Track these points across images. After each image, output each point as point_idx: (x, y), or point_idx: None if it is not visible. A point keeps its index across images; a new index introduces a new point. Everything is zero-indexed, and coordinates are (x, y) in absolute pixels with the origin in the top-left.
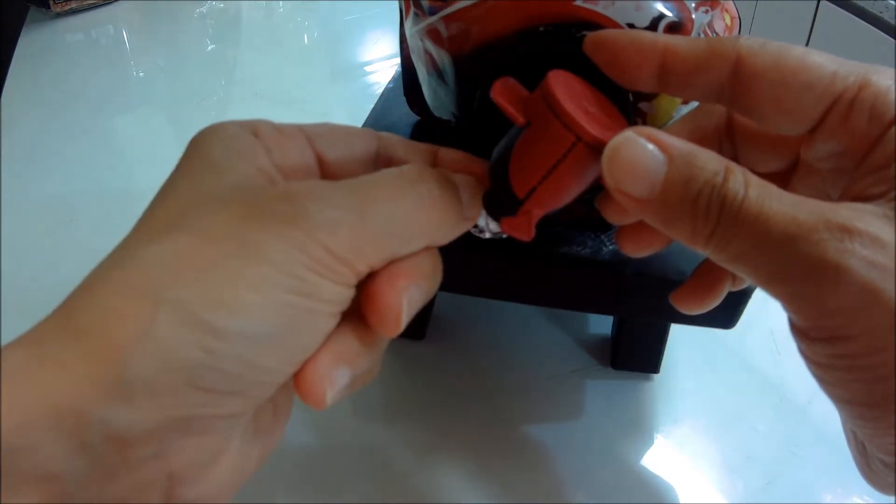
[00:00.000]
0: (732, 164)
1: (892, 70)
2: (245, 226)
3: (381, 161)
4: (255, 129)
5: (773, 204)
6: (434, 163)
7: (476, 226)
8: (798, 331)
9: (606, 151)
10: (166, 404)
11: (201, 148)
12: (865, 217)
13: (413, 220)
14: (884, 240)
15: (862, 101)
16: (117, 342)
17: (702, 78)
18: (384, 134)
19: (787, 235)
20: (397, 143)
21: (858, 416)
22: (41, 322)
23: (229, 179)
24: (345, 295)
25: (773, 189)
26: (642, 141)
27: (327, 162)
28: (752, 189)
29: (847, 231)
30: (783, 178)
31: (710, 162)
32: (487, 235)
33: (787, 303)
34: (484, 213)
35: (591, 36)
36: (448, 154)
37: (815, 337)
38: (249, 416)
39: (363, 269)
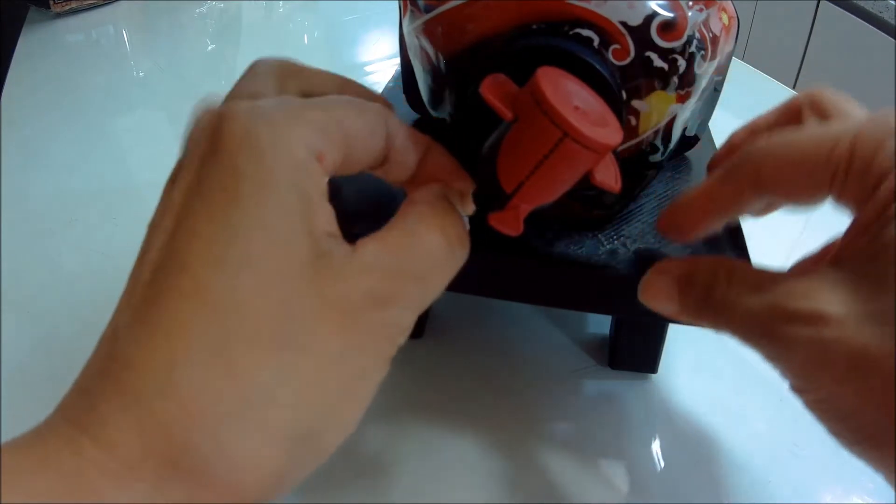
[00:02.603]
0: (719, 270)
1: (891, 113)
2: (348, 354)
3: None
4: (320, 153)
5: (743, 300)
6: (424, 159)
7: None
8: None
9: (641, 288)
10: None
11: (268, 183)
12: (816, 293)
13: (450, 278)
14: (829, 315)
15: (854, 168)
16: (250, 487)
17: (742, 202)
18: (390, 121)
19: (754, 324)
20: (399, 134)
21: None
22: (141, 459)
23: (304, 253)
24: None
25: (749, 283)
26: (659, 275)
27: (347, 162)
28: (731, 289)
29: (790, 316)
30: None
31: (701, 276)
32: None
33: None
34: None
35: (661, 219)
36: (437, 159)
37: (794, 389)
38: None
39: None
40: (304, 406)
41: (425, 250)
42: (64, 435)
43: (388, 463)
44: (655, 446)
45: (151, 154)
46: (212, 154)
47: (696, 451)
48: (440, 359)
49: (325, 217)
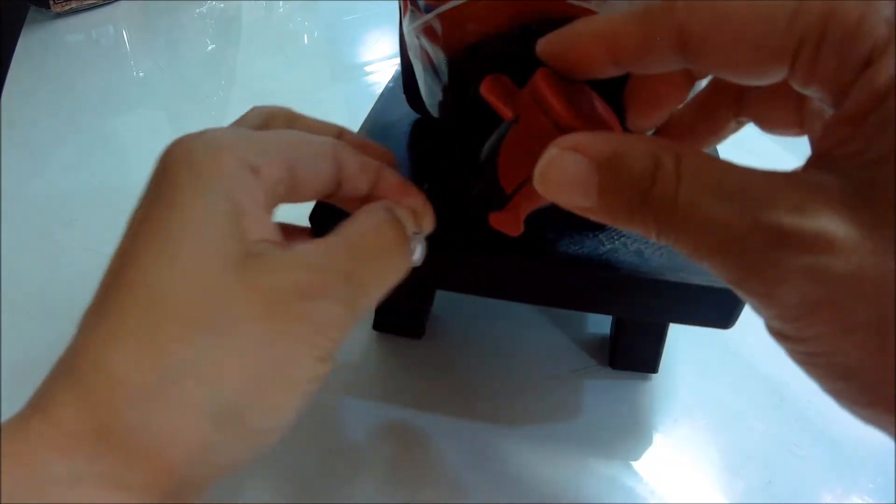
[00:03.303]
0: (663, 156)
1: None
2: (272, 338)
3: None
4: (255, 167)
5: (703, 202)
6: (377, 184)
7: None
8: (776, 334)
9: (537, 172)
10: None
11: (200, 190)
12: (812, 209)
13: (390, 283)
14: (834, 239)
15: (828, 40)
16: (177, 461)
17: (653, 56)
18: (342, 151)
19: (721, 242)
20: (350, 164)
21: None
22: (78, 431)
23: (232, 250)
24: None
25: (708, 179)
26: (568, 154)
27: (294, 185)
28: (682, 186)
29: (782, 237)
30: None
31: (637, 161)
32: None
33: (758, 308)
34: (416, 242)
35: (541, 43)
36: (389, 180)
37: (776, 334)
38: None
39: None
40: (226, 384)
41: (356, 251)
42: (22, 414)
43: (387, 463)
44: (655, 446)
45: (151, 154)
46: (160, 171)
47: (697, 450)
48: (440, 359)
49: (261, 223)
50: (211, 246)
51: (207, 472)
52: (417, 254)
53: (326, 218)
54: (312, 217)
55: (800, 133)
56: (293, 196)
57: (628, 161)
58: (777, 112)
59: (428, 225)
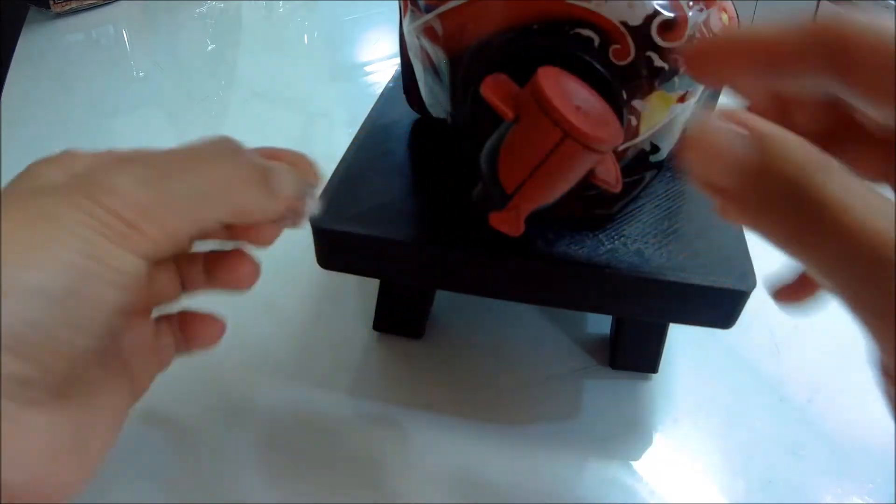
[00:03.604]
0: (820, 157)
1: None
2: (38, 199)
3: None
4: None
5: (859, 213)
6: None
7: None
8: (884, 370)
9: (690, 135)
10: None
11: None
12: None
13: (207, 190)
14: None
15: None
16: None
17: (805, 67)
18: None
19: (875, 258)
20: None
21: None
22: None
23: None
24: (137, 266)
25: (863, 192)
26: (731, 125)
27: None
28: (836, 190)
29: None
30: None
31: (797, 151)
32: (292, 225)
33: (875, 339)
34: (307, 200)
35: (686, 52)
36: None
37: (884, 371)
38: (45, 387)
39: (158, 236)
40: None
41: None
42: None
43: (387, 463)
44: (655, 446)
45: None
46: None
47: (696, 450)
48: (440, 359)
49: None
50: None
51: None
52: (311, 206)
53: (327, 218)
54: (312, 217)
55: (883, 182)
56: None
57: (791, 147)
58: (873, 158)
59: (312, 178)
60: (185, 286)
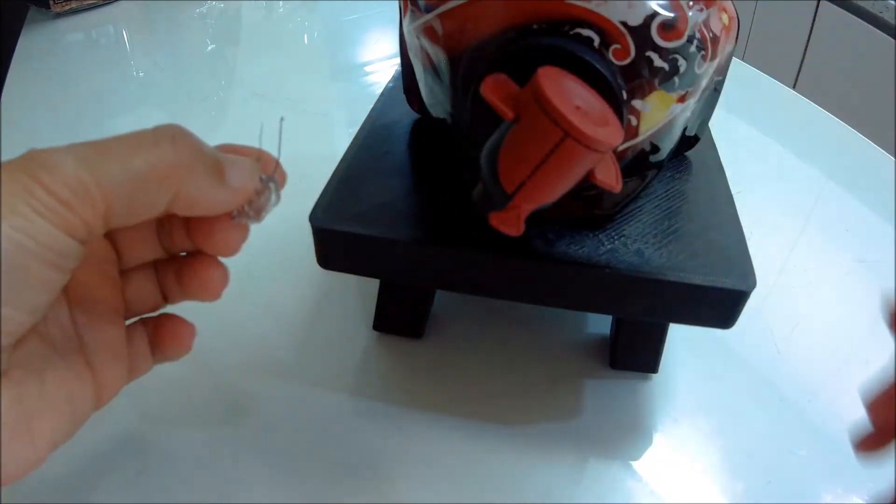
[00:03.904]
0: None
1: None
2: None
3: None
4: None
5: None
6: None
7: (245, 211)
8: None
9: None
10: None
11: None
12: None
13: (146, 173)
14: None
15: None
16: None
17: None
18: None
19: None
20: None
21: None
22: None
23: None
24: (71, 246)
25: None
26: None
27: None
28: None
29: None
30: None
31: None
32: (251, 220)
33: None
34: (266, 194)
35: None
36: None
37: None
38: None
39: (92, 218)
40: None
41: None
42: None
43: (387, 463)
44: (655, 446)
45: None
46: None
47: (697, 450)
48: (440, 359)
49: None
50: None
51: None
52: (271, 197)
53: (327, 218)
54: (312, 217)
55: None
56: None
57: None
58: None
59: (275, 174)
60: (165, 296)
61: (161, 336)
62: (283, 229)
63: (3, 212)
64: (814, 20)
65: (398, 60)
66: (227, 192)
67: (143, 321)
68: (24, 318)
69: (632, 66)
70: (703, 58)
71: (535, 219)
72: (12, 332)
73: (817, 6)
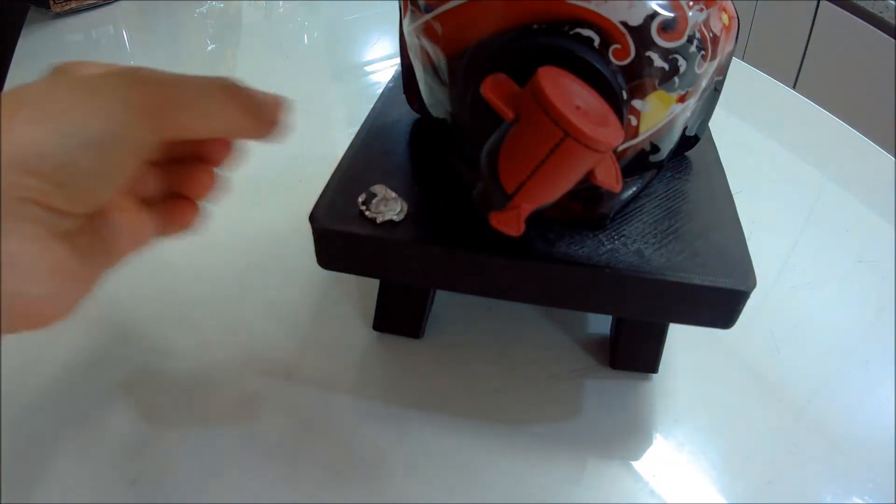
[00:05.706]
0: None
1: None
2: (90, 78)
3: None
4: None
5: None
6: None
7: None
8: None
9: None
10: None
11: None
12: None
13: (207, 110)
14: None
15: None
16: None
17: None
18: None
19: None
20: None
21: None
22: None
23: None
24: (149, 141)
25: None
26: None
27: None
28: None
29: None
30: None
31: None
32: None
33: None
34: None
35: None
36: None
37: None
38: (71, 224)
39: (162, 129)
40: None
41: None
42: None
43: (387, 463)
44: (655, 446)
45: None
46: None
47: (697, 450)
48: (440, 359)
49: None
50: None
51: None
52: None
53: (327, 218)
54: (313, 217)
55: None
56: None
57: None
58: None
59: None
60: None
61: (171, 214)
62: (284, 229)
63: (108, 104)
64: (814, 20)
65: (398, 60)
66: (266, 126)
67: (152, 202)
68: (108, 194)
69: (632, 66)
70: (703, 58)
71: (536, 219)
72: (98, 204)
73: (817, 6)
